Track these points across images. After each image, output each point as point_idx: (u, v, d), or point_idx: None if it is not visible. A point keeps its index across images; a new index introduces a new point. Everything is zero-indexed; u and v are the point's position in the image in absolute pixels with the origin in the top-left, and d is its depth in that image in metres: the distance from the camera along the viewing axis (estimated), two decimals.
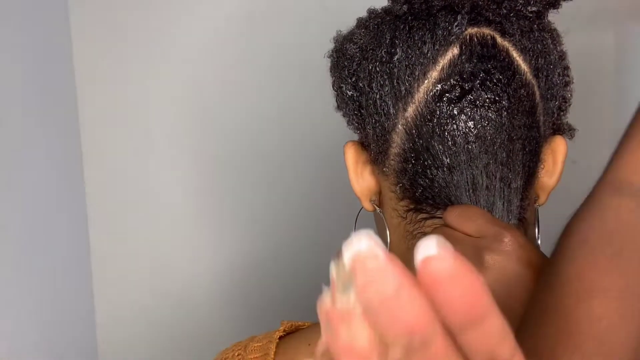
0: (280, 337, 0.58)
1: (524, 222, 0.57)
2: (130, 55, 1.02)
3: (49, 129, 0.97)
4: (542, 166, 0.57)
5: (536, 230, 0.59)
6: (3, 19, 0.84)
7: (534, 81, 0.54)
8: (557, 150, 0.57)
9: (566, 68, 0.58)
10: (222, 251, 1.07)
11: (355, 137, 0.61)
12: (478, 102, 0.52)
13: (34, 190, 0.91)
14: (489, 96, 0.52)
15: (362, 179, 0.59)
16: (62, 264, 1.00)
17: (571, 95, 0.59)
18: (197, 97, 1.03)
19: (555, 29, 0.58)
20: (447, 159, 0.53)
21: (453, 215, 0.53)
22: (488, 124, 0.52)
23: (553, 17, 0.59)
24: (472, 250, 0.51)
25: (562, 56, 0.58)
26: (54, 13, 0.99)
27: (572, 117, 0.61)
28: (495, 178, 0.54)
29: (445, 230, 0.54)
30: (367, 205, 0.60)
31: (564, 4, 0.57)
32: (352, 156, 0.59)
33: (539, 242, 0.59)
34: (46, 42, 0.96)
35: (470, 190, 0.54)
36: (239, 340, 0.62)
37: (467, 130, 0.53)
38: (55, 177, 0.98)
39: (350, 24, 0.62)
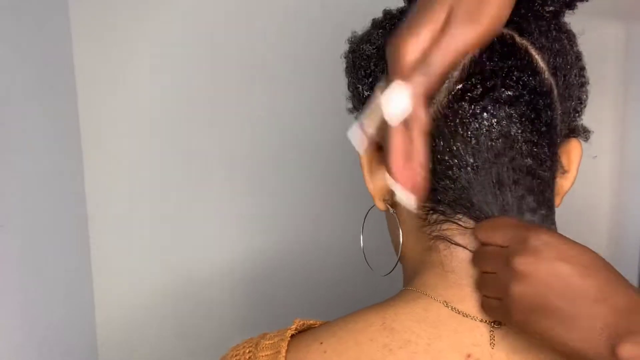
0: (292, 336, 0.58)
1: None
2: (130, 55, 1.02)
3: (49, 129, 0.97)
4: (559, 167, 0.57)
5: None
6: (3, 19, 0.84)
7: (552, 79, 0.54)
8: (572, 152, 0.57)
9: (582, 69, 0.58)
10: (223, 251, 1.07)
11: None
12: (501, 100, 0.52)
13: (34, 190, 0.91)
14: (510, 93, 0.52)
15: (376, 179, 0.59)
16: (62, 263, 0.99)
17: (587, 96, 0.59)
18: (198, 96, 1.03)
19: (571, 30, 0.58)
20: (470, 158, 0.53)
21: (482, 231, 0.53)
22: (511, 120, 0.52)
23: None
24: (503, 262, 0.50)
25: (579, 57, 0.58)
26: (54, 13, 0.98)
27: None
28: (523, 171, 0.53)
29: (479, 249, 0.53)
30: (380, 205, 0.60)
31: (579, 4, 0.57)
32: (366, 155, 0.59)
33: None
34: (46, 43, 0.96)
35: (497, 187, 0.53)
36: (238, 339, 0.61)
37: (490, 128, 0.52)
38: (56, 176, 0.98)
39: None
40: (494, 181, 0.53)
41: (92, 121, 1.04)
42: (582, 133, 0.60)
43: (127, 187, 1.06)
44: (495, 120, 0.52)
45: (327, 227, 1.05)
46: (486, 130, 0.53)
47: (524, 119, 0.52)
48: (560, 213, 0.56)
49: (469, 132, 0.53)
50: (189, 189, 1.06)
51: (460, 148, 0.53)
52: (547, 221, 0.55)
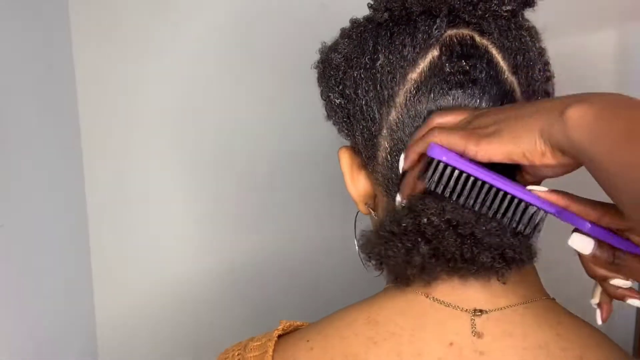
0: (279, 336, 0.59)
1: None
2: (130, 55, 1.02)
3: (49, 129, 0.97)
4: None
5: None
6: (3, 19, 0.85)
7: (513, 78, 0.55)
8: None
9: (546, 64, 0.59)
10: (221, 252, 1.07)
11: (348, 142, 0.62)
12: (456, 102, 0.53)
13: (34, 190, 0.92)
14: (469, 93, 0.53)
15: (358, 183, 0.61)
16: (62, 264, 1.00)
17: (553, 89, 0.60)
18: (197, 96, 1.03)
19: (533, 27, 0.59)
20: None
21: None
22: None
23: (550, 15, 0.59)
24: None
25: (542, 52, 0.59)
26: (54, 13, 0.99)
27: None
28: None
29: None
30: (363, 209, 0.62)
31: (547, 3, 0.58)
32: (346, 161, 0.61)
33: None
34: (46, 43, 0.96)
35: None
36: (238, 339, 0.62)
37: None
38: (56, 177, 0.99)
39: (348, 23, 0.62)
40: None
41: (92, 121, 1.04)
42: None
43: (127, 188, 1.06)
44: None
45: (325, 231, 1.05)
46: None
47: None
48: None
49: None
50: (189, 190, 1.06)
51: None
52: None
